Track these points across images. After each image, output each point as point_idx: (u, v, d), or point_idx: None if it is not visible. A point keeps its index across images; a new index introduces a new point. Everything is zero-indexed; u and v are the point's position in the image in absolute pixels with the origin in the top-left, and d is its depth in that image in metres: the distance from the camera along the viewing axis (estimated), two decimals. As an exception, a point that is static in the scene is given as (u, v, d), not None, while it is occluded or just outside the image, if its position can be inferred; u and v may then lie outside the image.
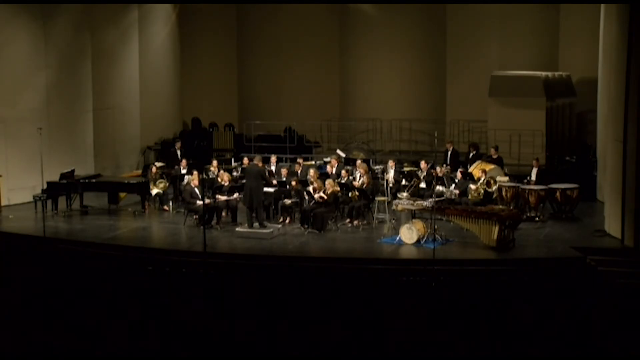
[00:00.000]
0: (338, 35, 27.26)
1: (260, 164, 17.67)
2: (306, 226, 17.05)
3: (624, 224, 15.56)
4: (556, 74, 23.85)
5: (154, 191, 19.52)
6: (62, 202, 19.07)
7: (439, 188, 17.74)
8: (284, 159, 23.16)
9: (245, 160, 20.68)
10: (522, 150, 22.05)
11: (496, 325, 12.30)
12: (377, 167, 20.98)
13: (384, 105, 25.76)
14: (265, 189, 17.66)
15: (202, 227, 15.43)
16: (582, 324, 12.32)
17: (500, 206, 17.00)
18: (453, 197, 17.70)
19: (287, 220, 17.85)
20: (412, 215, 16.75)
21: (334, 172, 18.97)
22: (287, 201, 17.93)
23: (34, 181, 19.24)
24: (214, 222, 17.48)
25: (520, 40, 25.14)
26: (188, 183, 17.96)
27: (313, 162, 21.64)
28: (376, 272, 14.67)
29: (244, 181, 17.93)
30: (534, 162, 19.29)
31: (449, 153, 21.25)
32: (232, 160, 23.33)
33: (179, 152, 21.55)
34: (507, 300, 13.36)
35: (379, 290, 13.88)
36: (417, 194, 18.38)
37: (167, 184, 19.79)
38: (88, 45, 21.93)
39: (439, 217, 16.25)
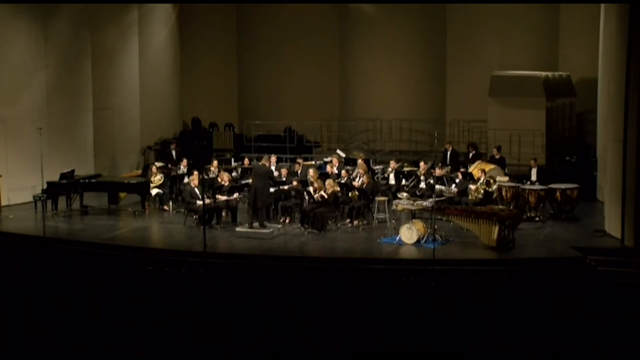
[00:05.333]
0: (338, 35, 27.27)
1: (268, 164, 17.71)
2: (306, 226, 17.05)
3: (624, 224, 15.57)
4: (556, 74, 23.86)
5: (154, 191, 19.53)
6: (62, 202, 19.07)
7: (439, 187, 17.74)
8: (284, 159, 23.17)
9: (246, 161, 20.74)
10: (522, 150, 22.06)
11: (496, 325, 12.29)
12: (377, 167, 21.01)
13: (384, 105, 25.76)
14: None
15: (202, 227, 15.43)
16: (582, 324, 12.32)
17: (500, 206, 17.00)
18: (452, 195, 17.71)
19: (287, 220, 17.86)
20: (412, 215, 16.76)
21: (334, 171, 18.97)
22: (290, 197, 17.95)
23: (34, 181, 19.23)
24: (214, 222, 17.48)
25: (520, 40, 25.13)
26: (188, 183, 17.97)
27: (313, 162, 21.65)
28: (376, 272, 14.67)
29: (249, 181, 17.93)
30: (532, 161, 19.31)
31: (449, 153, 21.27)
32: (232, 160, 23.34)
33: (174, 153, 21.63)
34: (507, 300, 13.36)
35: (379, 290, 13.88)
36: (417, 186, 18.47)
37: (163, 178, 19.77)
38: (88, 45, 21.94)
39: (439, 217, 16.26)
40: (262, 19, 27.28)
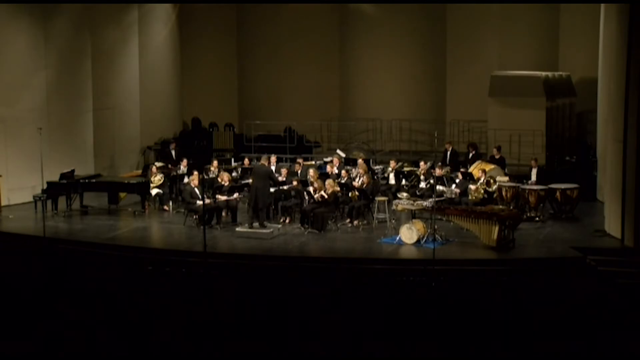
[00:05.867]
0: (338, 35, 27.27)
1: (267, 164, 17.71)
2: (306, 226, 17.05)
3: (624, 224, 15.57)
4: (556, 74, 23.86)
5: (154, 191, 19.53)
6: (62, 202, 19.07)
7: (439, 187, 17.74)
8: (284, 159, 23.17)
9: (246, 161, 20.73)
10: (522, 150, 22.06)
11: (496, 325, 12.30)
12: (377, 167, 21.00)
13: (384, 105, 25.77)
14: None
15: (202, 227, 15.43)
16: (582, 324, 12.32)
17: (500, 206, 17.00)
18: (453, 196, 17.71)
19: (287, 220, 17.86)
20: (412, 215, 16.75)
21: (334, 171, 18.97)
22: (290, 197, 17.92)
23: (34, 181, 19.22)
24: (214, 222, 17.48)
25: (520, 40, 25.14)
26: (188, 183, 17.97)
27: (313, 162, 21.65)
28: (376, 272, 14.67)
29: (249, 181, 17.92)
30: (532, 162, 19.32)
31: (449, 153, 21.27)
32: (232, 160, 23.35)
33: (173, 153, 21.64)
34: (507, 300, 13.36)
35: (379, 290, 13.88)
36: (416, 186, 18.47)
37: (163, 178, 19.78)
38: (88, 45, 21.94)
39: (439, 217, 16.25)
40: (262, 19, 27.28)
